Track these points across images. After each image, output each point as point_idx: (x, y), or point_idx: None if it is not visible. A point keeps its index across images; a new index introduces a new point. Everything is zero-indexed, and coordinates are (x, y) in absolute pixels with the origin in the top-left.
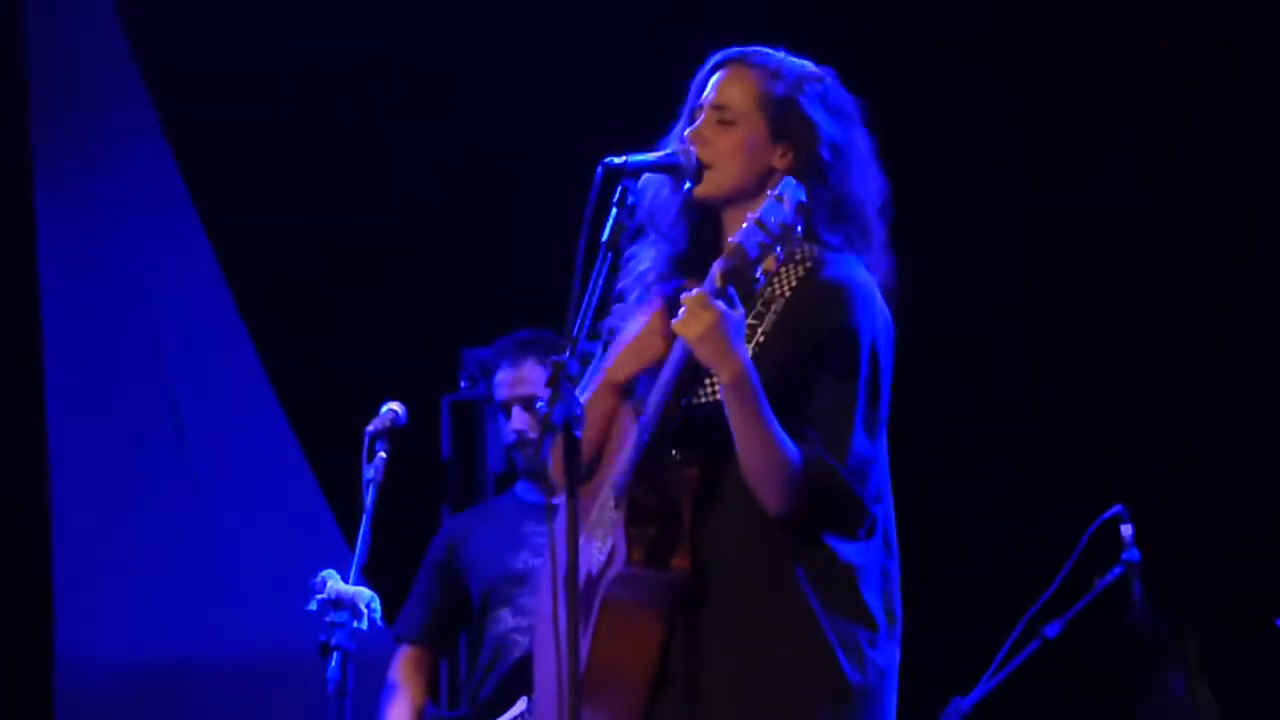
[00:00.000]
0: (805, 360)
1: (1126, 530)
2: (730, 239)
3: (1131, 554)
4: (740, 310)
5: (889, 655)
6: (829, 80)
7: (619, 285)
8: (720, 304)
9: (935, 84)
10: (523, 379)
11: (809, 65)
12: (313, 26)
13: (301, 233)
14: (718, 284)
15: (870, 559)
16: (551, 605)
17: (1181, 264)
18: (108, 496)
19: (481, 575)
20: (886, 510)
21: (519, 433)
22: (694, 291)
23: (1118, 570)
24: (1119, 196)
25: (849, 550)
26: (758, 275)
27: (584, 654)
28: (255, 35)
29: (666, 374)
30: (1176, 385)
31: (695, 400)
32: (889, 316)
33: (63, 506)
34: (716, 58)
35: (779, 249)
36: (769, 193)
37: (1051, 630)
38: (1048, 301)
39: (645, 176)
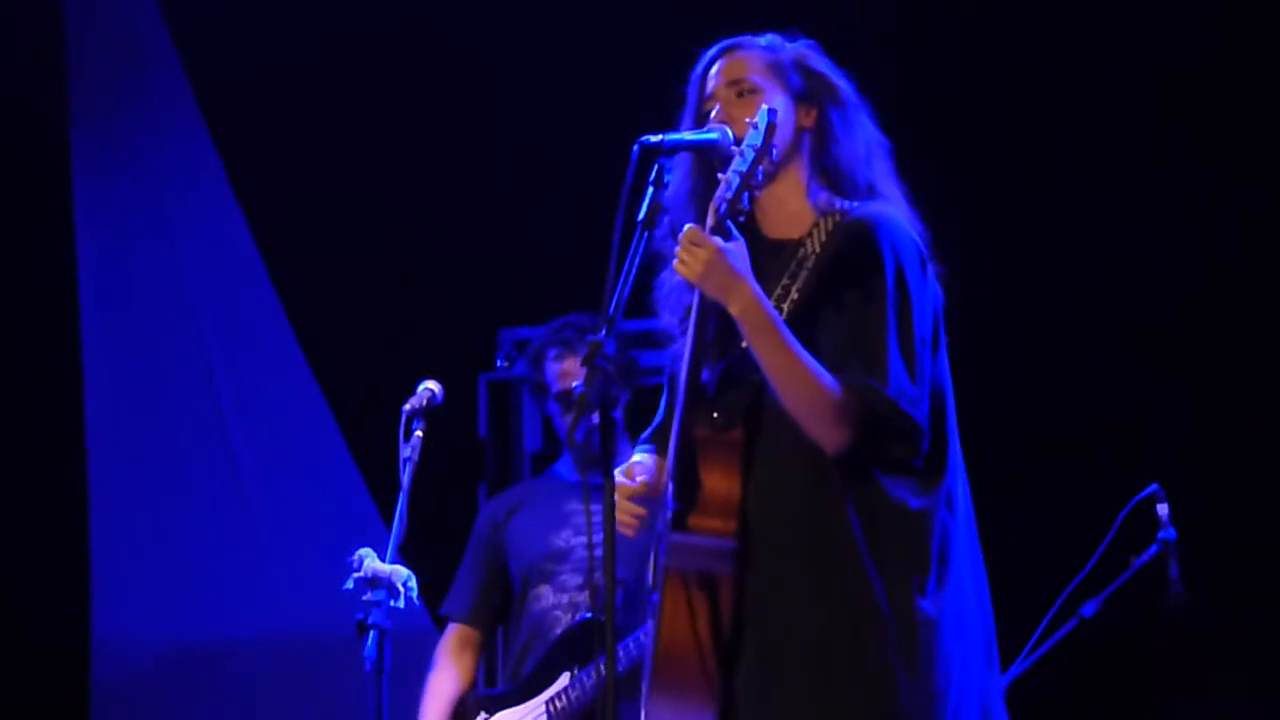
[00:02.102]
0: (835, 298)
1: (1163, 509)
2: (719, 174)
3: (1168, 533)
4: (740, 240)
5: (941, 602)
6: (814, 46)
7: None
8: (714, 238)
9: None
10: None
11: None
12: (348, 11)
13: (338, 212)
14: (710, 220)
15: (929, 507)
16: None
17: (1214, 240)
18: (144, 476)
19: (522, 553)
20: (955, 465)
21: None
22: (685, 229)
23: (1154, 549)
24: (1152, 174)
25: (906, 493)
26: (744, 205)
27: (655, 631)
28: (292, 20)
29: (689, 336)
30: (1212, 363)
31: (727, 357)
32: (918, 242)
33: (99, 487)
34: (710, 53)
35: (759, 171)
36: (747, 121)
37: (1088, 609)
38: (1086, 280)
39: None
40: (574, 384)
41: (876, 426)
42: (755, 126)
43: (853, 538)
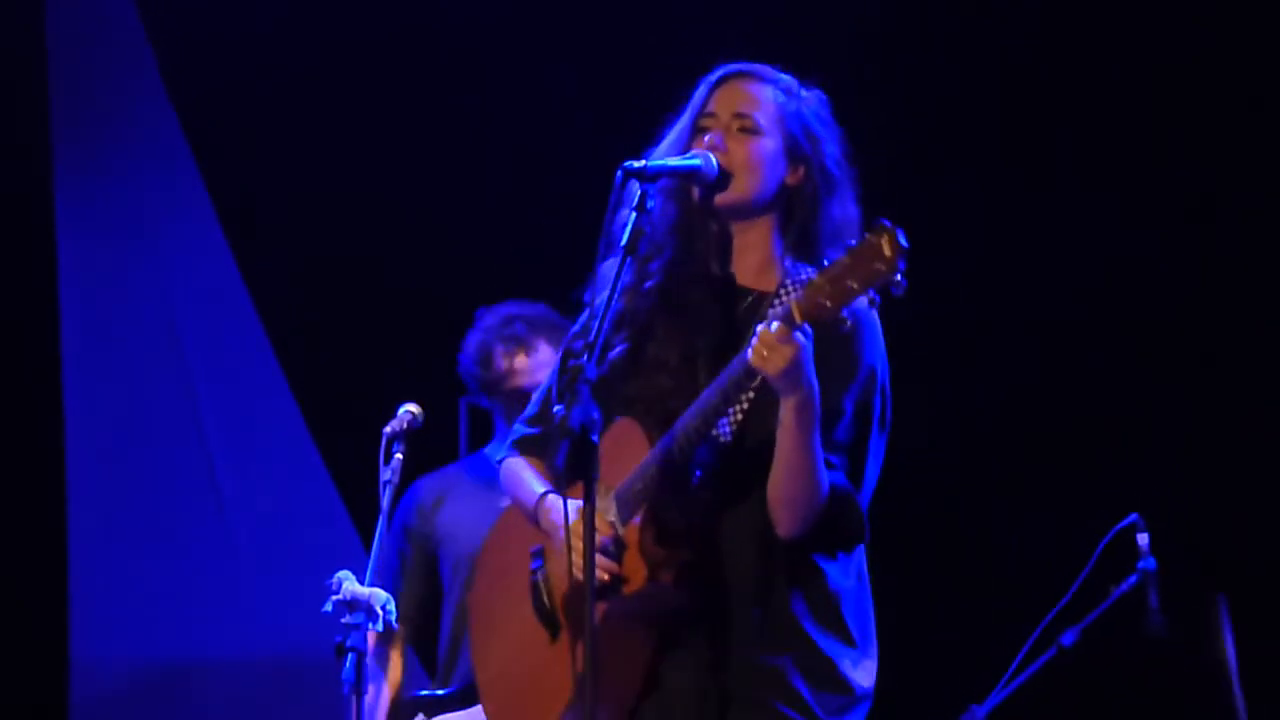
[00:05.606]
0: (826, 391)
1: (1142, 538)
2: (816, 278)
3: (1147, 562)
4: (810, 334)
5: (867, 676)
6: (823, 101)
7: (591, 297)
8: (799, 337)
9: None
10: (544, 364)
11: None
12: (328, 32)
13: (320, 235)
14: (796, 318)
15: (849, 581)
16: (498, 600)
17: (1198, 269)
18: (124, 496)
19: (454, 547)
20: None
21: None
22: (774, 326)
23: (1134, 579)
24: (1132, 198)
25: (833, 571)
26: (844, 316)
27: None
28: (274, 38)
29: (711, 398)
30: (1192, 392)
31: (724, 425)
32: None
33: (79, 506)
34: (722, 71)
35: (873, 292)
36: (866, 235)
37: (1067, 638)
38: (1065, 308)
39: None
40: (524, 382)
41: (835, 528)
42: (879, 244)
43: (797, 613)
